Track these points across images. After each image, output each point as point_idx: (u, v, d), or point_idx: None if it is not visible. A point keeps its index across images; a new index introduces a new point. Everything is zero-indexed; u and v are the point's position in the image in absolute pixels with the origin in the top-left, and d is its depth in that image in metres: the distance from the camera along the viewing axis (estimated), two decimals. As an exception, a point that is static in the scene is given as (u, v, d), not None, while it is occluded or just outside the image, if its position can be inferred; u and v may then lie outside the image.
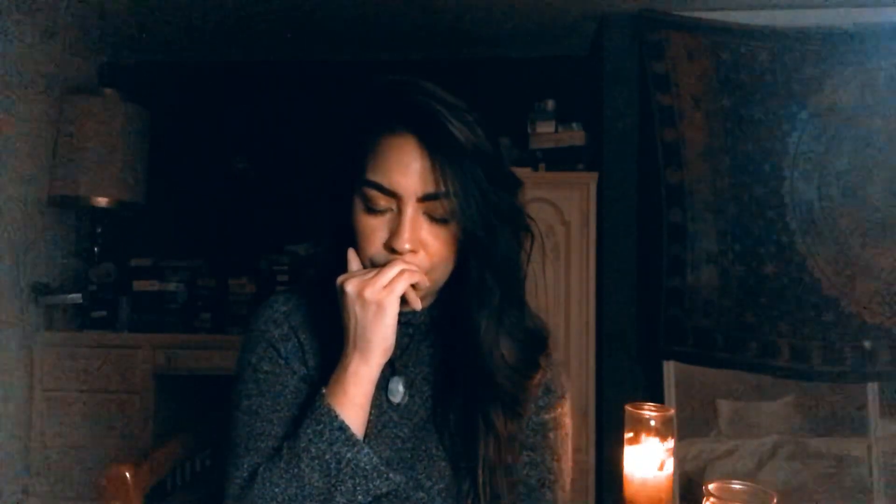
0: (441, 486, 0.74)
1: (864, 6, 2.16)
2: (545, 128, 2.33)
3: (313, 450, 0.66)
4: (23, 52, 2.34)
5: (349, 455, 0.66)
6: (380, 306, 0.67)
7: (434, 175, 0.68)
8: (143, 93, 2.59)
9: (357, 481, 0.66)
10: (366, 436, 0.72)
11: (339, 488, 0.66)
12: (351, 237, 0.73)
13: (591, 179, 2.25)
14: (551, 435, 0.79)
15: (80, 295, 2.40)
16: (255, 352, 0.79)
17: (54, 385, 2.30)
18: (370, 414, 0.74)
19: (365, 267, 0.72)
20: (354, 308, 0.69)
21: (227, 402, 0.80)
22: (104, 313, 2.43)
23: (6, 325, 2.26)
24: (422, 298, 0.73)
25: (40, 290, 2.37)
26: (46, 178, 2.44)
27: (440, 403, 0.77)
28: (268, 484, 0.67)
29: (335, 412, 0.67)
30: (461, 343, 0.75)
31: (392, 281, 0.67)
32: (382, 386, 0.77)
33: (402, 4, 2.26)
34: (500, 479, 0.73)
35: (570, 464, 0.81)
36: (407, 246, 0.69)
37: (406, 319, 0.78)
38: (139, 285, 2.46)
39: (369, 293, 0.67)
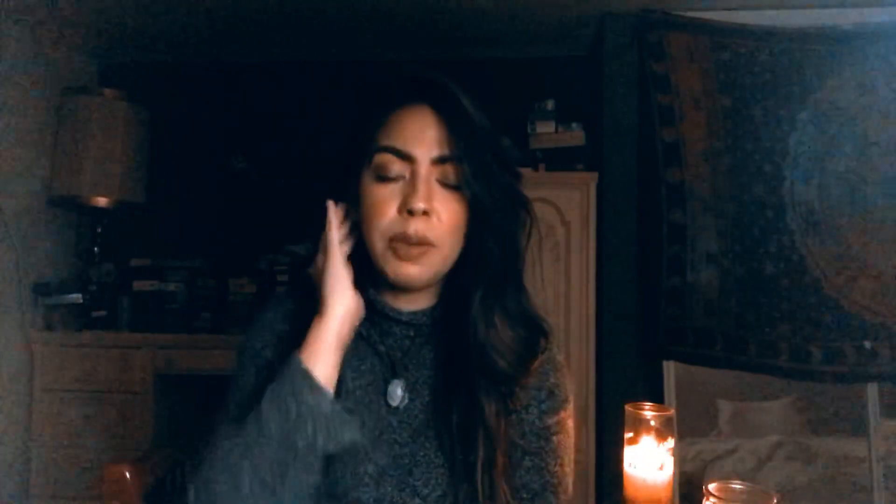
0: (438, 493, 0.73)
1: (864, 6, 2.16)
2: (545, 128, 2.33)
3: (274, 396, 0.67)
4: (23, 52, 2.34)
5: (310, 400, 0.66)
6: (325, 252, 0.74)
7: (448, 141, 0.72)
8: (143, 93, 2.59)
9: (318, 424, 0.65)
10: (363, 443, 0.72)
11: (299, 431, 0.65)
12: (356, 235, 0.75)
13: (591, 179, 2.25)
14: (554, 439, 0.79)
15: (80, 295, 2.39)
16: (261, 338, 0.80)
17: (54, 385, 2.30)
18: (369, 420, 0.74)
19: (375, 241, 0.74)
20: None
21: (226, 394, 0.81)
22: (104, 313, 2.43)
23: (6, 326, 2.26)
24: (426, 287, 0.75)
25: (40, 290, 2.37)
26: (46, 178, 2.44)
27: (441, 405, 0.77)
28: (233, 430, 0.68)
29: (300, 360, 0.69)
30: (458, 322, 0.76)
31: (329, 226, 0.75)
32: (381, 390, 0.77)
33: (403, 4, 2.26)
34: (499, 482, 0.72)
35: (572, 468, 0.81)
36: (422, 205, 0.70)
37: (408, 320, 0.79)
38: (139, 285, 2.46)
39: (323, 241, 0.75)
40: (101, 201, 2.44)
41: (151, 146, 2.64)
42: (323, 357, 0.70)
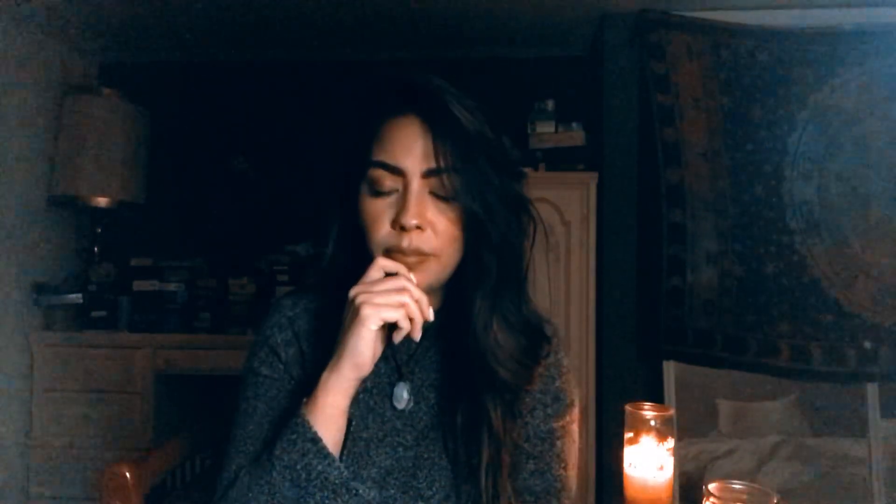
0: (442, 495, 0.73)
1: (864, 6, 2.16)
2: (545, 128, 2.33)
3: (286, 459, 0.66)
4: (23, 51, 2.34)
5: (319, 467, 0.65)
6: (358, 315, 0.66)
7: (437, 152, 0.69)
8: (143, 93, 2.59)
9: (326, 494, 0.65)
10: (369, 444, 0.72)
11: (308, 500, 0.65)
12: (360, 236, 0.74)
13: (591, 179, 2.25)
14: (559, 443, 0.79)
15: (80, 295, 2.39)
16: (258, 356, 0.79)
17: (54, 385, 2.30)
18: (374, 422, 0.74)
19: (373, 253, 0.72)
20: (347, 312, 0.68)
21: (228, 402, 0.81)
22: (104, 313, 2.43)
23: (6, 325, 2.26)
24: (429, 293, 0.74)
25: (40, 290, 2.37)
26: (46, 178, 2.44)
27: (446, 407, 0.76)
28: (244, 488, 0.67)
29: (309, 423, 0.66)
30: (461, 327, 0.75)
31: (387, 296, 0.66)
32: (387, 393, 0.77)
33: (402, 4, 2.25)
34: (503, 484, 0.72)
35: (576, 471, 0.81)
36: (413, 221, 0.69)
37: None
38: (139, 285, 2.45)
39: (359, 297, 0.66)
40: (101, 201, 2.44)
41: (151, 146, 2.64)
42: (331, 422, 0.67)
